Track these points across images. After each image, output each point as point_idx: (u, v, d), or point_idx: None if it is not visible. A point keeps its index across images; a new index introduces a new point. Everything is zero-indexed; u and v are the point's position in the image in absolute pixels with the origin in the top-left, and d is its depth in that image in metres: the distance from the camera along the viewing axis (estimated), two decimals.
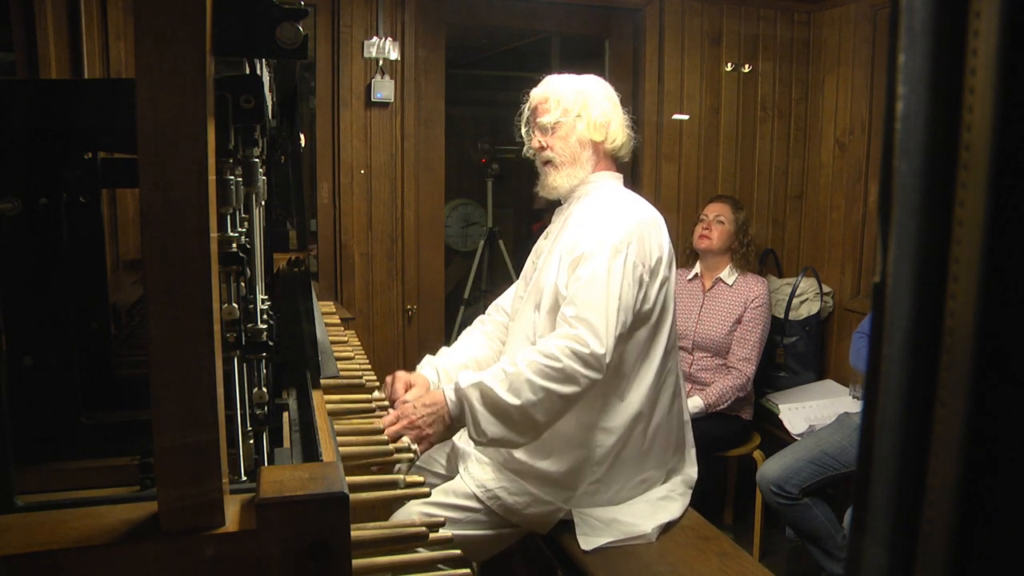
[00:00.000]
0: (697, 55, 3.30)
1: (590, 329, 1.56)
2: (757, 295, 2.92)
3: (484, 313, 2.08)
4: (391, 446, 1.28)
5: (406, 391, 1.74)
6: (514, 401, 1.52)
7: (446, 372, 1.89)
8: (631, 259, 1.64)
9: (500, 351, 1.96)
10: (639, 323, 1.70)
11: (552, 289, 1.71)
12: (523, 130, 1.88)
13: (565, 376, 1.54)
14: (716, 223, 3.00)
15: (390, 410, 1.53)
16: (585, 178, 1.80)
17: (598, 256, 1.62)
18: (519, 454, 1.70)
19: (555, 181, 1.81)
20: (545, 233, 1.93)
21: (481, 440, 1.55)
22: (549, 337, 1.60)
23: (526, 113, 1.87)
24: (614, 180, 1.84)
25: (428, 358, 1.93)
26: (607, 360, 1.56)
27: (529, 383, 1.52)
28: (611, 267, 1.61)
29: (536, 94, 1.85)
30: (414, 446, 1.43)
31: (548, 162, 1.82)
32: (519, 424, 1.54)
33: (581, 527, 1.68)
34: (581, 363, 1.54)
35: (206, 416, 0.70)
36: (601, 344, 1.55)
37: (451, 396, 1.56)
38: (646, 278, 1.67)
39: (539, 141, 1.82)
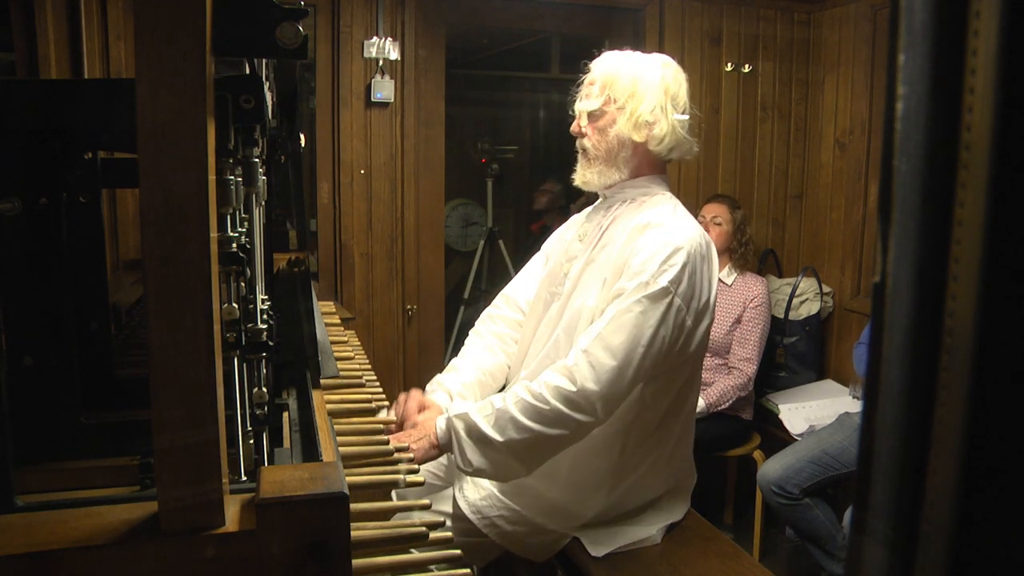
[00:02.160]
0: (697, 55, 3.30)
1: (592, 367, 1.43)
2: (756, 295, 2.92)
3: (490, 305, 1.94)
4: (391, 446, 1.28)
5: (420, 412, 1.64)
6: (498, 438, 1.44)
7: (460, 396, 1.78)
8: (677, 303, 1.48)
9: (513, 354, 1.85)
10: (682, 367, 1.58)
11: (592, 315, 1.56)
12: (577, 102, 1.68)
13: (551, 419, 1.43)
14: (713, 224, 2.99)
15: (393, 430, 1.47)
16: (623, 179, 1.64)
17: (639, 293, 1.46)
18: (524, 479, 1.60)
19: (585, 176, 1.66)
20: (579, 234, 1.74)
21: (467, 470, 1.48)
22: (545, 372, 1.48)
23: (582, 85, 1.68)
24: (662, 186, 1.67)
25: (438, 380, 1.79)
26: (609, 404, 1.46)
27: (514, 422, 1.44)
28: (649, 309, 1.45)
29: (593, 68, 1.66)
30: (408, 455, 1.40)
31: (584, 151, 1.66)
32: (504, 459, 1.46)
33: (588, 538, 1.64)
34: (570, 406, 1.43)
35: (206, 416, 0.70)
36: (597, 385, 1.42)
37: (440, 424, 1.49)
38: (688, 322, 1.52)
39: (578, 125, 1.65)
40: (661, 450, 1.67)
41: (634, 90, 1.58)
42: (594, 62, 1.67)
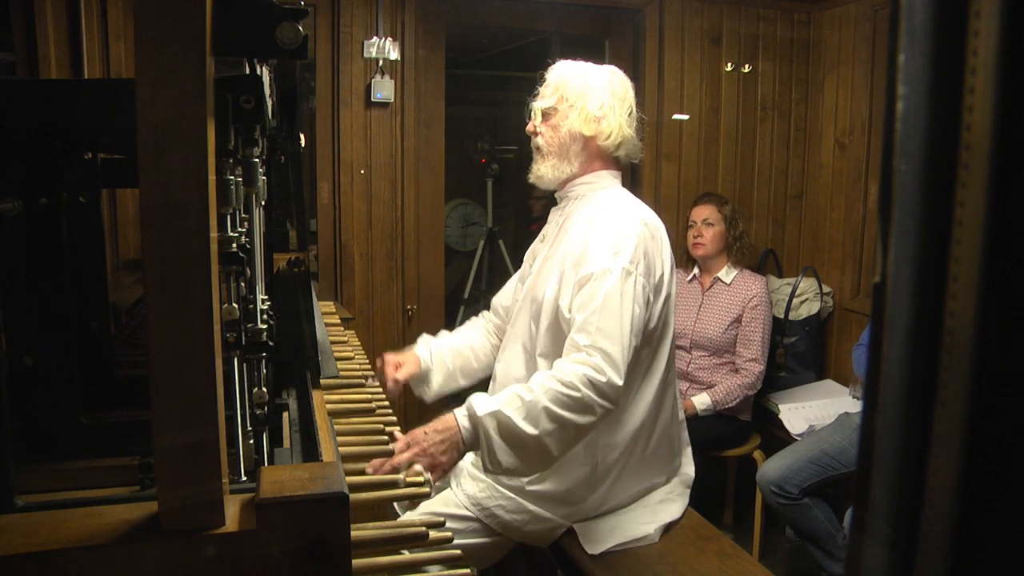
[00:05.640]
0: (697, 55, 3.30)
1: (607, 359, 1.50)
2: (755, 294, 2.92)
3: (487, 309, 2.07)
4: (392, 446, 1.28)
5: (397, 370, 1.79)
6: (531, 431, 1.45)
7: (439, 354, 1.89)
8: (640, 280, 1.57)
9: (495, 345, 1.95)
10: (644, 342, 1.64)
11: (552, 305, 1.65)
12: (533, 108, 1.79)
13: (583, 406, 1.48)
14: (705, 226, 3.01)
15: (397, 433, 1.44)
16: (576, 174, 1.74)
17: (609, 278, 1.55)
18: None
19: (540, 170, 1.76)
20: (541, 236, 1.86)
21: (495, 470, 1.49)
22: (564, 364, 1.52)
23: (539, 92, 1.80)
24: (613, 180, 1.76)
25: (424, 337, 1.94)
26: (624, 389, 1.52)
27: (547, 411, 1.46)
28: (623, 291, 1.54)
29: (547, 75, 1.78)
30: (427, 475, 1.39)
31: (538, 149, 1.76)
32: (533, 454, 1.49)
33: (584, 535, 1.66)
34: (598, 393, 1.48)
35: (206, 416, 0.70)
36: (618, 374, 1.49)
37: (465, 424, 1.48)
38: (651, 298, 1.62)
39: (533, 125, 1.76)
40: (639, 438, 1.69)
41: (584, 90, 1.71)
42: (549, 69, 1.79)
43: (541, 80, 1.79)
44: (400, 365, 1.81)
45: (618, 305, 1.53)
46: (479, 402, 1.49)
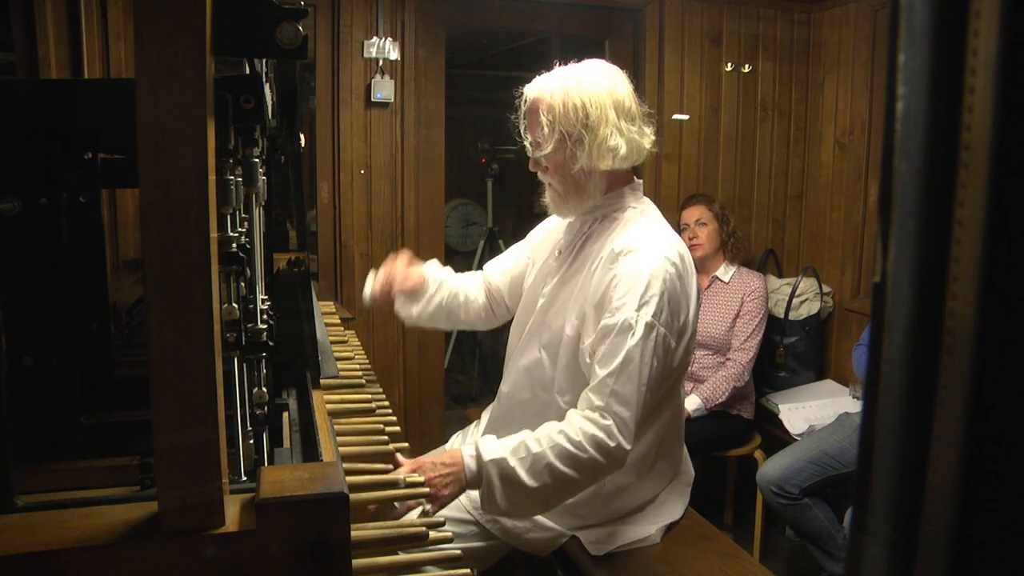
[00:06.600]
0: (697, 55, 3.30)
1: (620, 424, 1.46)
2: (753, 289, 2.93)
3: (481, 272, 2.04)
4: (391, 445, 1.28)
5: (405, 280, 1.85)
6: (532, 484, 1.46)
7: (441, 289, 1.91)
8: (661, 332, 1.50)
9: (484, 307, 1.98)
10: (663, 384, 1.60)
11: (571, 344, 1.60)
12: (522, 131, 1.66)
13: (588, 467, 1.46)
14: (699, 227, 3.01)
15: (402, 458, 1.44)
16: (598, 202, 1.63)
17: (631, 337, 1.47)
18: None
19: (561, 211, 1.67)
20: (555, 249, 1.75)
21: (492, 512, 1.50)
22: (576, 418, 1.49)
23: (521, 115, 1.64)
24: (632, 197, 1.65)
25: (435, 263, 1.96)
26: (631, 452, 1.50)
27: (550, 468, 1.45)
28: (644, 349, 1.47)
29: (529, 99, 1.59)
30: (428, 506, 1.40)
31: (550, 186, 1.64)
32: (531, 503, 1.50)
33: (586, 538, 1.66)
34: (605, 455, 1.46)
35: (206, 416, 0.70)
36: (629, 439, 1.47)
37: (470, 465, 1.47)
38: (672, 345, 1.55)
39: (535, 163, 1.62)
40: (648, 457, 1.68)
41: (586, 119, 1.52)
42: (529, 89, 1.61)
43: (525, 104, 1.60)
44: (408, 279, 1.86)
45: (637, 367, 1.47)
46: (487, 446, 1.49)
